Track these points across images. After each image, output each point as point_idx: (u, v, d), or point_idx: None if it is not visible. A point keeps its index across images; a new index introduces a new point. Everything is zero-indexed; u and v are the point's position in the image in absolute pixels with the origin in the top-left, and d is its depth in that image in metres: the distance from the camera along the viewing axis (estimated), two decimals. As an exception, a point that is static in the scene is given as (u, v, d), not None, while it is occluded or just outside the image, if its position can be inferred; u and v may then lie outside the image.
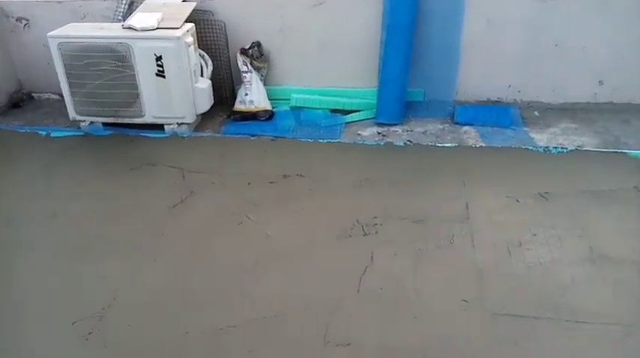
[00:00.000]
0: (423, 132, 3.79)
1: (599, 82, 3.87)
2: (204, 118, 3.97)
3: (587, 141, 3.57)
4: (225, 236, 2.74)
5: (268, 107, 4.00)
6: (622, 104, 3.90)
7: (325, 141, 3.66)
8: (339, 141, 3.67)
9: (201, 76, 3.82)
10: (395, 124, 3.88)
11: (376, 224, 2.79)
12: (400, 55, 3.69)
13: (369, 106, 4.02)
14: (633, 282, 2.35)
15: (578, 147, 3.48)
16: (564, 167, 3.25)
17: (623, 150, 3.40)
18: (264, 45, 4.05)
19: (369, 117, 4.00)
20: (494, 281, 2.39)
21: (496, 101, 4.04)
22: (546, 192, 2.98)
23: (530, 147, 3.47)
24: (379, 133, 3.81)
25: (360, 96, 4.09)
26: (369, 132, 3.83)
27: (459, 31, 3.78)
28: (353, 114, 4.03)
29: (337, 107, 4.09)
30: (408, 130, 3.83)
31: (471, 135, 3.71)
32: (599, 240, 2.60)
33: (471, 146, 3.56)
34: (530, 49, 3.81)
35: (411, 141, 3.65)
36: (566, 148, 3.45)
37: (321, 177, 3.20)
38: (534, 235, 2.66)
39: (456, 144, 3.57)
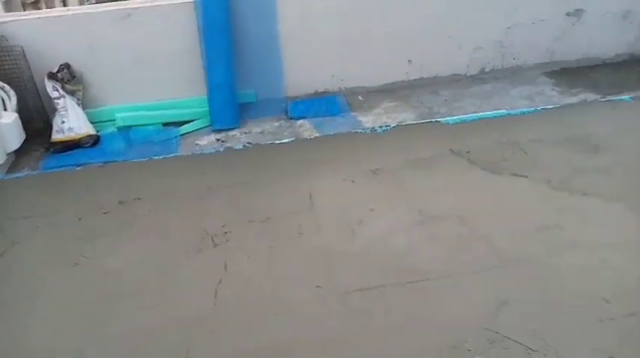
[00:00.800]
0: (261, 132, 3.83)
1: (409, 61, 4.27)
2: (19, 156, 3.55)
3: (407, 116, 3.93)
4: (59, 282, 2.48)
5: (92, 132, 3.70)
6: (430, 78, 4.35)
7: (161, 157, 3.50)
8: (177, 155, 3.54)
9: (5, 109, 3.40)
10: (232, 128, 3.87)
11: (226, 232, 2.75)
12: (222, 58, 3.68)
13: (204, 114, 3.95)
14: (458, 235, 2.64)
15: (400, 122, 3.81)
16: (390, 143, 3.53)
17: (437, 119, 3.79)
18: (75, 66, 3.74)
19: (205, 125, 3.93)
20: (343, 261, 2.51)
21: (323, 92, 4.24)
22: (377, 169, 3.20)
23: (359, 130, 3.71)
24: (218, 140, 3.76)
25: (193, 106, 3.99)
26: (207, 141, 3.76)
27: (276, 28, 3.87)
28: (187, 124, 3.92)
29: (169, 120, 3.94)
30: (246, 132, 3.84)
31: (306, 128, 3.84)
32: (426, 202, 2.87)
33: (307, 138, 3.69)
34: (343, 38, 4.06)
35: (250, 143, 3.66)
36: (390, 125, 3.74)
37: (161, 196, 3.06)
38: (372, 210, 2.84)
39: (293, 139, 3.67)
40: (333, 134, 3.69)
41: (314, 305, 2.29)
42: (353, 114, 4.00)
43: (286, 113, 4.02)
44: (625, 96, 3.91)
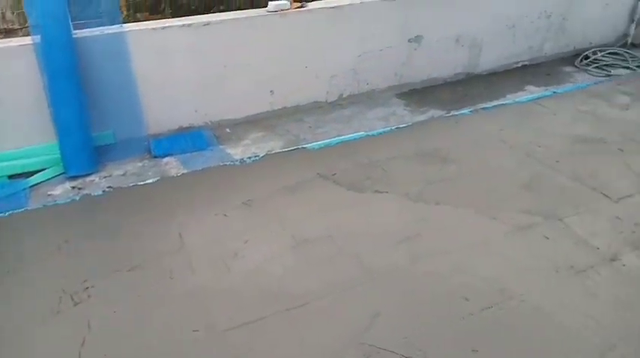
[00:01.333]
0: (123, 174, 3.62)
1: (271, 91, 4.36)
2: None
3: (275, 144, 3.99)
4: None
5: None
6: (293, 107, 4.48)
7: (7, 214, 3.14)
8: (25, 210, 3.20)
9: None
10: (89, 174, 3.60)
11: (87, 288, 2.53)
12: (70, 100, 3.43)
13: (55, 162, 3.63)
14: (329, 255, 2.71)
15: (268, 152, 3.85)
16: (260, 172, 3.55)
17: (303, 146, 3.91)
18: None
19: (57, 173, 3.61)
20: (219, 299, 2.45)
21: (188, 127, 4.15)
22: (249, 200, 3.20)
23: (228, 163, 3.68)
24: (74, 187, 3.47)
25: (42, 153, 3.66)
26: (61, 190, 3.45)
27: (129, 66, 3.72)
28: (37, 174, 3.57)
29: (15, 171, 3.55)
30: (105, 176, 3.60)
31: (172, 165, 3.71)
32: (298, 227, 2.92)
33: (174, 176, 3.56)
34: (203, 72, 4.03)
35: (111, 187, 3.44)
36: (258, 155, 3.77)
37: (8, 258, 2.73)
38: (246, 242, 2.82)
39: (159, 178, 3.53)
40: (202, 169, 3.62)
41: (192, 350, 2.19)
42: (221, 147, 3.96)
43: (150, 152, 3.86)
44: (465, 111, 4.39)
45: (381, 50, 4.61)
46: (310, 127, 4.23)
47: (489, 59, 5.19)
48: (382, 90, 4.78)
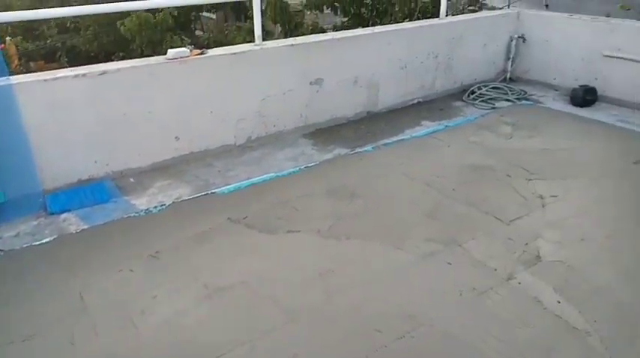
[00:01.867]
0: (16, 235, 3.34)
1: (176, 138, 4.29)
2: None
3: (183, 191, 3.89)
4: None
5: None
6: (201, 151, 4.43)
7: None
8: None
9: None
10: (-24, 238, 3.29)
11: (-27, 366, 2.28)
12: (-51, 160, 3.15)
13: None
14: (245, 300, 2.67)
15: (176, 199, 3.75)
16: (168, 222, 3.44)
17: (213, 191, 3.86)
18: None
19: (-63, 240, 3.26)
20: (127, 361, 2.31)
21: (88, 179, 3.94)
22: (157, 252, 3.08)
23: (132, 214, 3.53)
24: (-43, 255, 3.14)
25: None
26: (-59, 258, 3.11)
27: (18, 120, 3.50)
28: None
29: None
30: (-5, 239, 3.30)
31: (71, 222, 3.49)
32: (211, 276, 2.85)
33: (73, 232, 3.35)
34: (102, 121, 3.87)
35: (1, 250, 3.16)
36: (165, 204, 3.67)
37: None
38: (155, 297, 2.70)
39: (56, 236, 3.29)
40: (104, 223, 3.43)
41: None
42: (125, 198, 3.80)
43: (45, 208, 3.61)
44: (368, 147, 4.60)
45: (284, 93, 4.73)
46: (220, 171, 4.20)
47: (387, 98, 5.52)
48: (290, 131, 4.88)
